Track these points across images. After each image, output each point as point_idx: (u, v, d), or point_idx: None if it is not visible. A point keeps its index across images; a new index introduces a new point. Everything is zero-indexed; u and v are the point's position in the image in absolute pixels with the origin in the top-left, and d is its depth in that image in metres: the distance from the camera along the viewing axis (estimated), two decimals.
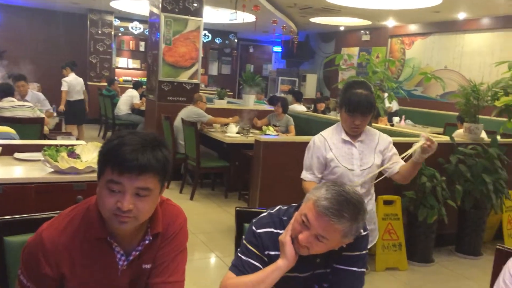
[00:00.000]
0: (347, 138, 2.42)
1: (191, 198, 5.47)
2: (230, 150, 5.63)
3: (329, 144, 2.43)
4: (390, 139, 2.51)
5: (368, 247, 2.06)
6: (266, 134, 5.43)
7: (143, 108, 7.98)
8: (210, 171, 5.85)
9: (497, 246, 1.79)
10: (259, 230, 1.55)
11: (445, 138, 4.34)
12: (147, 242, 1.39)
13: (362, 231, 1.54)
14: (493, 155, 3.97)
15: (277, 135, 5.54)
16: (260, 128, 6.03)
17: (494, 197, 3.90)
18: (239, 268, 1.52)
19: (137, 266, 1.40)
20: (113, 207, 1.25)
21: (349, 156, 2.40)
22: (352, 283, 1.53)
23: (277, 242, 1.50)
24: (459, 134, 4.80)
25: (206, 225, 4.70)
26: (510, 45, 8.19)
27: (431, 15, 9.26)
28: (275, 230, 1.55)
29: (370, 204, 2.49)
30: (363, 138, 2.43)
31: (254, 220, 1.60)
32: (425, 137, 2.16)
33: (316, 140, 2.48)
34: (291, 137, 5.59)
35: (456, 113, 5.73)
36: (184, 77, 6.27)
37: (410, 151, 2.19)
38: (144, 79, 9.06)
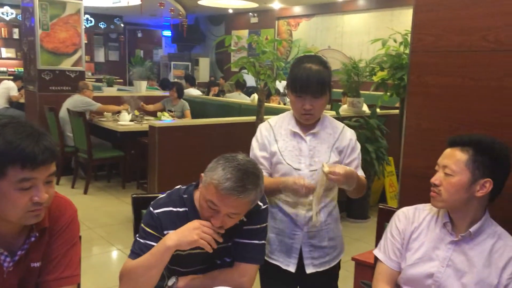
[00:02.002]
0: (296, 130, 1.87)
1: (85, 192, 5.19)
2: (124, 139, 5.42)
3: (275, 135, 1.89)
4: (355, 136, 1.96)
5: (333, 264, 1.94)
6: (161, 120, 5.31)
7: (22, 100, 7.33)
8: (104, 162, 5.60)
9: (380, 206, 1.97)
10: (156, 211, 1.53)
11: (332, 113, 4.62)
12: (33, 239, 1.30)
13: (262, 204, 1.60)
14: (374, 125, 4.33)
15: (173, 120, 5.45)
16: (155, 115, 5.89)
17: (377, 164, 4.27)
18: (137, 252, 1.49)
19: (24, 265, 1.30)
20: (27, 205, 1.19)
21: (297, 152, 1.85)
22: (254, 255, 1.58)
23: (177, 221, 1.49)
24: (344, 109, 5.15)
25: (104, 218, 4.50)
26: (383, 24, 8.90)
27: None
28: (174, 209, 1.54)
29: (324, 212, 1.90)
30: (318, 130, 1.88)
31: (152, 203, 1.58)
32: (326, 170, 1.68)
33: (262, 130, 1.93)
34: (187, 120, 5.54)
35: (341, 90, 6.12)
36: (66, 64, 5.85)
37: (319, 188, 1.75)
38: (22, 69, 8.30)
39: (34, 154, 1.16)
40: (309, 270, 1.88)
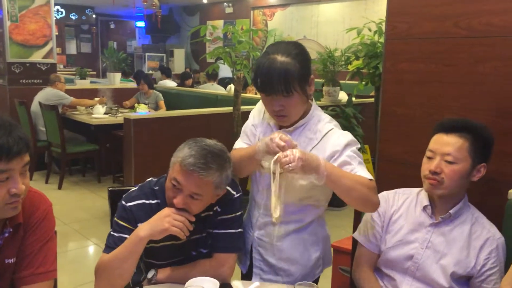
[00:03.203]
0: (271, 123, 1.63)
1: (60, 187, 5.09)
2: (98, 132, 5.33)
3: (262, 118, 1.68)
4: (345, 141, 1.52)
5: (317, 275, 1.71)
6: (136, 112, 5.24)
7: None
8: (79, 156, 5.49)
9: None
10: (129, 204, 1.52)
11: None
12: (6, 235, 1.27)
13: (235, 193, 1.59)
14: (350, 114, 4.36)
15: (148, 112, 5.39)
16: (131, 107, 5.82)
17: None
18: (112, 246, 1.47)
19: None
20: (5, 197, 1.17)
21: None
22: (230, 243, 1.58)
23: (150, 213, 1.47)
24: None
25: (80, 213, 4.43)
26: (358, 13, 8.96)
27: None
28: (146, 201, 1.53)
29: (281, 227, 1.64)
30: (293, 129, 1.58)
31: (124, 196, 1.56)
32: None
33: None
34: (163, 112, 5.49)
35: (317, 80, 6.15)
36: (37, 57, 5.69)
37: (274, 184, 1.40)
38: None
39: (8, 145, 1.14)
40: (254, 278, 1.69)
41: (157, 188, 1.55)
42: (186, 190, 1.41)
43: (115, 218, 1.52)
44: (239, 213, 1.62)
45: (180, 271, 1.55)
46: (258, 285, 1.44)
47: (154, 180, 1.59)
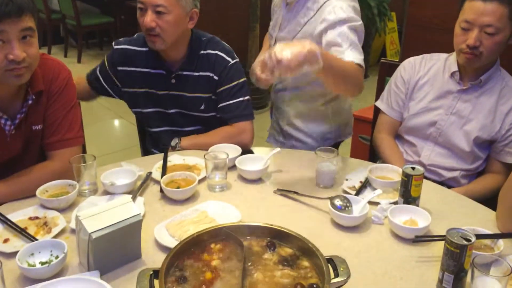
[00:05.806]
0: None
1: (79, 61, 5.10)
2: (112, 3, 5.14)
3: None
4: (340, 16, 1.35)
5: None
6: None
7: None
8: (94, 28, 5.39)
9: (381, 60, 1.91)
10: (116, 46, 1.70)
11: None
12: (30, 102, 1.29)
13: (230, 59, 1.58)
14: None
15: None
16: None
17: (378, 20, 4.10)
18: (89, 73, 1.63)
19: (26, 128, 1.31)
20: (3, 63, 1.14)
21: (275, 20, 1.66)
22: (242, 112, 1.60)
23: (135, 60, 1.59)
24: None
25: None
26: None
27: None
28: (138, 48, 1.66)
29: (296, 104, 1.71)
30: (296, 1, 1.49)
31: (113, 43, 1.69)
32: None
33: None
34: None
35: None
36: None
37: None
38: None
39: None
40: (269, 138, 1.91)
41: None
42: (149, 6, 1.43)
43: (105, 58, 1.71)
44: (242, 79, 1.61)
45: (202, 138, 1.60)
46: (279, 151, 1.46)
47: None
